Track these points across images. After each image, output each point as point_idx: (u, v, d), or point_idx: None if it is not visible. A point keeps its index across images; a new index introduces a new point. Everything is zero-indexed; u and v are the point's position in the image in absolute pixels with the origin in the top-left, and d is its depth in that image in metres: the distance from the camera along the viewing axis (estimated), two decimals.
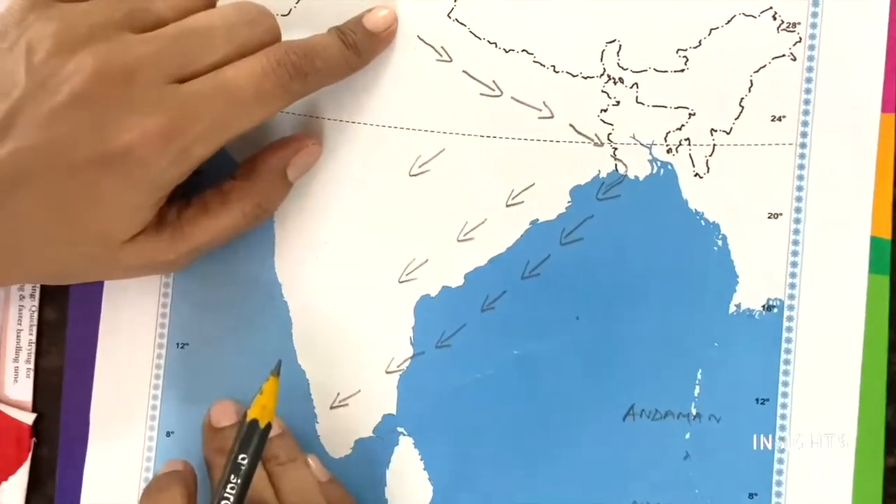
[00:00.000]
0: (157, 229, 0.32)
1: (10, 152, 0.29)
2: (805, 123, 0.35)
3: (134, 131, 0.29)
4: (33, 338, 0.36)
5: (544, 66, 0.35)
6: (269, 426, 0.31)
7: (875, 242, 0.35)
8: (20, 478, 0.35)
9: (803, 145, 0.35)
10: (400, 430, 0.35)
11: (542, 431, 0.35)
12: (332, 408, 0.35)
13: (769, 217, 0.35)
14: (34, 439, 0.35)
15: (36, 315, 0.35)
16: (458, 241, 0.35)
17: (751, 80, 0.35)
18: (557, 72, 0.35)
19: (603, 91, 0.35)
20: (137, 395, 0.35)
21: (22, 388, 0.35)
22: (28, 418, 0.35)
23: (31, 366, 0.35)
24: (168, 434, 0.35)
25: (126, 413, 0.35)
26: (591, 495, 0.34)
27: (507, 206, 0.35)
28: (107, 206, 0.30)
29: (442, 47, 0.35)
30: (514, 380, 0.35)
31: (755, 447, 0.34)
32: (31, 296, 0.36)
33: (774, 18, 0.35)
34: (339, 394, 0.35)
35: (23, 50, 0.29)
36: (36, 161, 0.29)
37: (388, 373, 0.35)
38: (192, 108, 0.30)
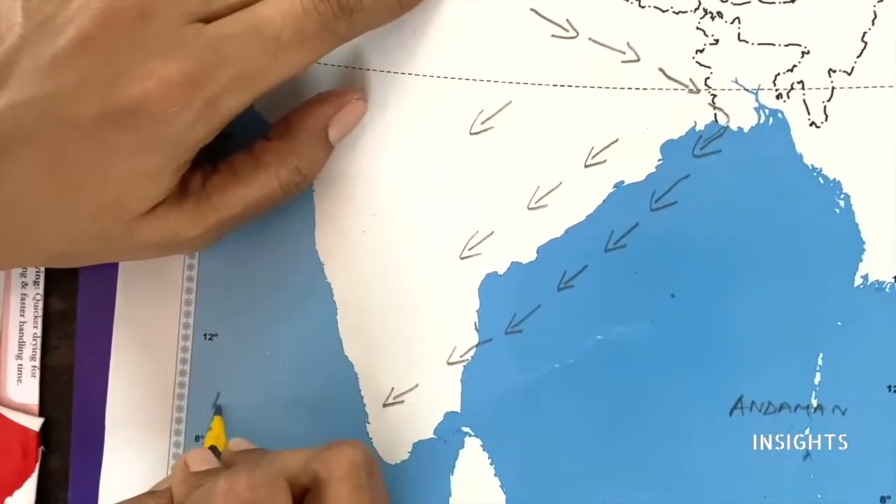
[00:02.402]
0: (179, 200, 0.30)
1: (5, 107, 0.27)
2: None
3: (150, 79, 0.27)
4: (39, 331, 0.34)
5: (627, 0, 0.33)
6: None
7: None
8: (27, 492, 0.34)
9: None
10: (465, 430, 0.34)
11: (632, 430, 0.33)
12: (385, 405, 0.34)
13: None
14: (42, 448, 0.35)
15: (41, 305, 0.34)
16: (529, 209, 0.33)
17: (874, 11, 0.32)
18: (643, 6, 0.33)
19: (698, 28, 0.33)
20: (160, 394, 0.34)
21: (27, 390, 0.34)
22: (35, 424, 0.34)
23: (37, 363, 0.34)
24: (197, 439, 0.34)
25: (147, 415, 0.34)
26: None
27: (586, 166, 0.33)
28: (120, 170, 0.28)
29: None
30: (597, 370, 0.33)
31: (888, 442, 0.32)
32: (35, 283, 0.35)
33: None
34: (393, 389, 0.34)
35: None
36: (35, 117, 0.27)
37: (449, 364, 0.33)
38: (219, 51, 0.28)
